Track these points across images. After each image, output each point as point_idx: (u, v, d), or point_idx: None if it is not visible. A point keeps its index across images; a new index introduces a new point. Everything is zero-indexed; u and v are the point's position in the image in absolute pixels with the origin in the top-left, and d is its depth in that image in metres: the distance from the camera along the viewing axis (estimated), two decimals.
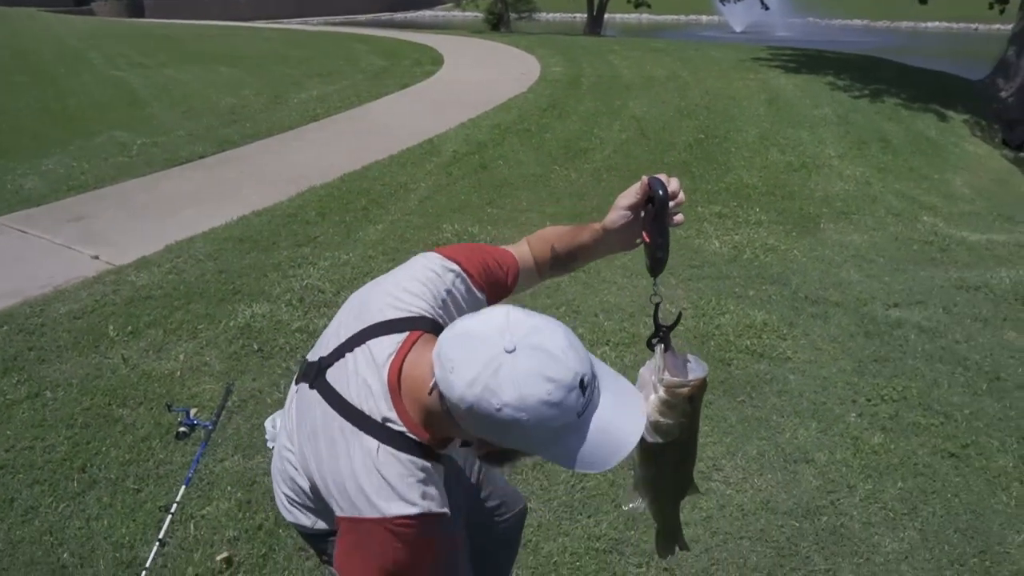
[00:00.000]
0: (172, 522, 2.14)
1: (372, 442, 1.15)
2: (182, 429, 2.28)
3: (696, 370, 1.23)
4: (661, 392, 1.20)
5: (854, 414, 3.17)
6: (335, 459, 1.18)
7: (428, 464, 1.16)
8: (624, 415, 1.10)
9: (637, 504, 1.38)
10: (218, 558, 2.30)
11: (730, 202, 5.99)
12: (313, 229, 5.13)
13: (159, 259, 4.61)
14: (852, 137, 8.00)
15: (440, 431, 1.17)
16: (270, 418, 2.89)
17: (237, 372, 3.39)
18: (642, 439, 1.18)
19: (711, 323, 3.92)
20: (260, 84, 10.44)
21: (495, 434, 1.06)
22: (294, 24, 24.41)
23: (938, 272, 4.75)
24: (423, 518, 1.13)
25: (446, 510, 1.17)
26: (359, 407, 1.18)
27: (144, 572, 2.04)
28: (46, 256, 4.66)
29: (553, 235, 1.47)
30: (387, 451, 1.15)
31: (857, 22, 37.28)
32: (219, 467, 2.76)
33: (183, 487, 2.19)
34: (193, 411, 2.58)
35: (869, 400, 3.27)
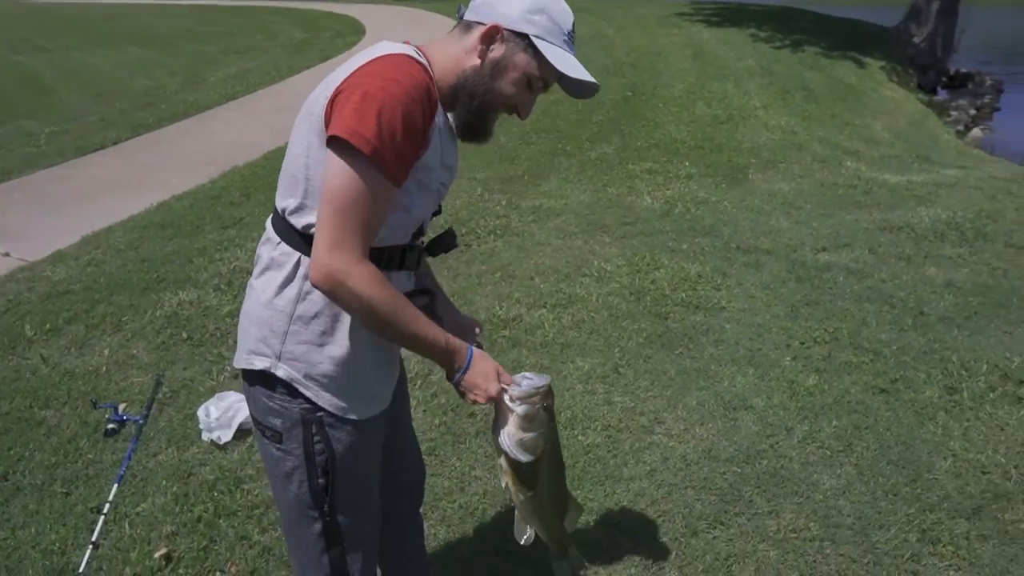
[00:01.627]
0: (105, 522, 2.05)
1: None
2: (111, 426, 2.17)
3: (538, 380, 1.32)
4: (519, 409, 1.30)
5: (789, 358, 3.24)
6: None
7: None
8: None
9: (529, 534, 1.49)
10: (156, 555, 2.22)
11: (660, 158, 6.02)
12: (238, 210, 4.97)
13: (76, 252, 4.40)
14: (776, 87, 8.11)
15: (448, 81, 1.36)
16: (203, 406, 2.83)
17: (167, 363, 3.27)
18: (516, 463, 1.34)
19: (646, 278, 3.95)
20: (175, 64, 10.04)
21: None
22: None
23: (862, 215, 4.87)
24: (408, 57, 1.29)
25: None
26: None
27: None
28: None
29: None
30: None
31: None
32: (152, 462, 2.66)
33: (115, 485, 2.10)
34: (122, 406, 2.49)
35: (803, 343, 3.34)
